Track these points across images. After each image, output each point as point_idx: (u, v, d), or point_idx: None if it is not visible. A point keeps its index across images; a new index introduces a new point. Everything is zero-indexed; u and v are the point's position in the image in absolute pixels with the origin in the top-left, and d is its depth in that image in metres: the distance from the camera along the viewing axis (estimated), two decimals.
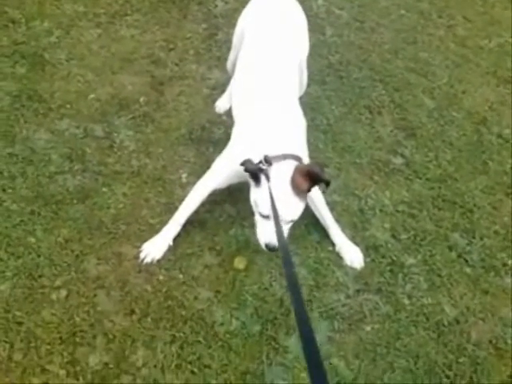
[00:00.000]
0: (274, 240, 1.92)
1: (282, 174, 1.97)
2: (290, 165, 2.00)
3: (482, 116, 3.23)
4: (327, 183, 2.00)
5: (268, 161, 1.98)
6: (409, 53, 3.58)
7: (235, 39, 2.72)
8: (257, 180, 1.99)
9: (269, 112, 2.19)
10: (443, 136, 3.07)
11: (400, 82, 3.35)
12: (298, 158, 2.05)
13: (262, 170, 1.96)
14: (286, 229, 2.01)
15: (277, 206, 1.83)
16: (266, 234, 2.00)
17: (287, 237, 2.02)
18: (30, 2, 3.45)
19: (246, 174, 2.03)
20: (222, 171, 2.32)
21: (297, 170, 1.98)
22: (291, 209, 1.99)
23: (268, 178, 1.95)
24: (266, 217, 1.99)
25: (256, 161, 2.00)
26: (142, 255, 2.35)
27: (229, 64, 2.87)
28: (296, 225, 2.43)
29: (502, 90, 3.44)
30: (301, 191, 1.98)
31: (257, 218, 2.07)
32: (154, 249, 2.36)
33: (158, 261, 2.35)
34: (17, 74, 3.03)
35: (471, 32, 3.84)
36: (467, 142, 3.07)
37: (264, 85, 2.29)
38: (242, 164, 1.98)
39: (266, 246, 2.02)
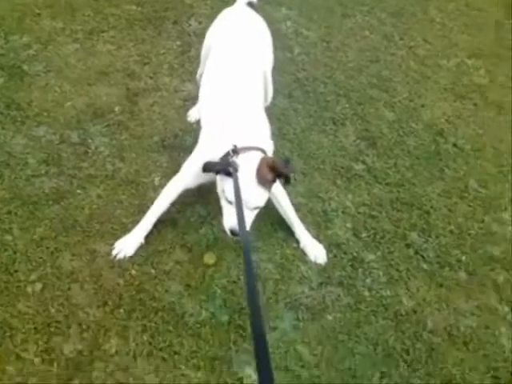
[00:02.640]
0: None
1: (248, 163, 2.11)
2: (256, 155, 2.16)
3: (439, 127, 3.44)
4: (288, 178, 2.17)
5: (235, 151, 2.14)
6: (372, 70, 3.79)
7: (203, 52, 2.90)
8: (227, 174, 2.12)
9: (235, 112, 2.34)
10: (402, 145, 3.27)
11: (363, 97, 3.56)
12: (263, 151, 2.21)
13: (229, 164, 2.10)
14: (251, 215, 2.15)
15: (242, 193, 1.96)
16: (231, 219, 2.11)
17: (252, 224, 2.16)
18: (10, 18, 3.60)
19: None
20: (191, 170, 2.44)
21: (263, 161, 2.13)
22: (256, 196, 2.13)
23: (236, 169, 2.08)
24: (232, 203, 2.09)
25: (223, 153, 2.16)
26: (114, 252, 2.45)
27: (198, 76, 3.03)
28: (263, 223, 2.59)
29: (459, 105, 3.67)
30: (265, 181, 2.13)
31: (223, 203, 2.21)
32: (127, 246, 2.46)
33: (131, 257, 2.45)
34: None
35: (431, 52, 4.08)
36: (425, 151, 3.26)
37: (229, 90, 2.45)
38: (205, 169, 2.13)
39: (231, 230, 2.15)
